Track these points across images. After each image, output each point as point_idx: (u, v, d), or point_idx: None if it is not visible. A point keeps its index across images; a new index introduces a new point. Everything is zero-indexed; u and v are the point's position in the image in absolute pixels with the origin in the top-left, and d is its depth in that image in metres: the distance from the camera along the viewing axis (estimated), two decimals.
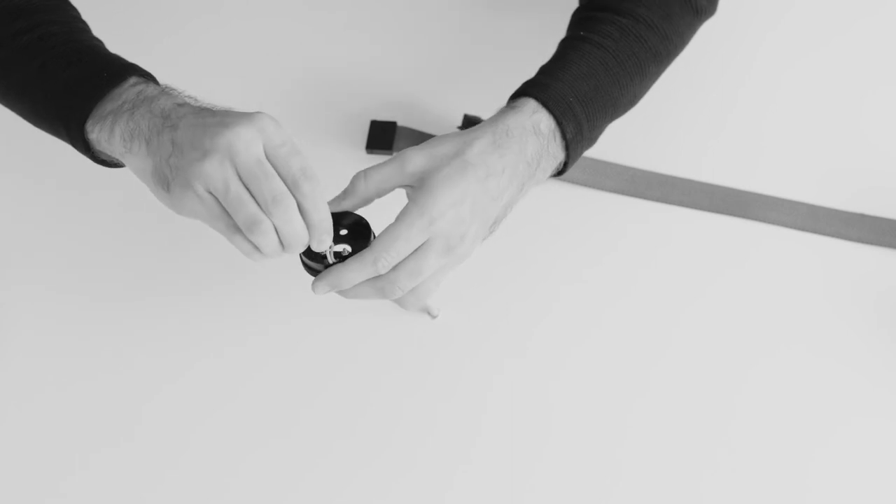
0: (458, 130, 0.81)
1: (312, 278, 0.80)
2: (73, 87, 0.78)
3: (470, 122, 0.97)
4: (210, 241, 0.94)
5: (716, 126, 1.02)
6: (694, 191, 0.99)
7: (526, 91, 0.83)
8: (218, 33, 1.06)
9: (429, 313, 0.93)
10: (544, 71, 0.85)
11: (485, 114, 0.98)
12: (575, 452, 0.88)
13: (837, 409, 0.90)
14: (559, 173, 0.86)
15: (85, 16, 0.86)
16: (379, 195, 0.80)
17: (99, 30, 0.85)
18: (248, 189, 0.72)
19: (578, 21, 0.89)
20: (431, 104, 1.01)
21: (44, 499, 0.87)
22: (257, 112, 0.74)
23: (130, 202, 0.97)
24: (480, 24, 1.06)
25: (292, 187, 0.72)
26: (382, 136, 0.99)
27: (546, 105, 0.82)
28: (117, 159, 0.79)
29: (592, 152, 0.99)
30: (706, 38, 1.00)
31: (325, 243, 0.75)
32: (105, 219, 0.98)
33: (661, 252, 0.96)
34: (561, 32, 0.90)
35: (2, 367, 0.92)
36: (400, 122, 1.00)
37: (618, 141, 0.97)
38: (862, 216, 0.98)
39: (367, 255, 0.76)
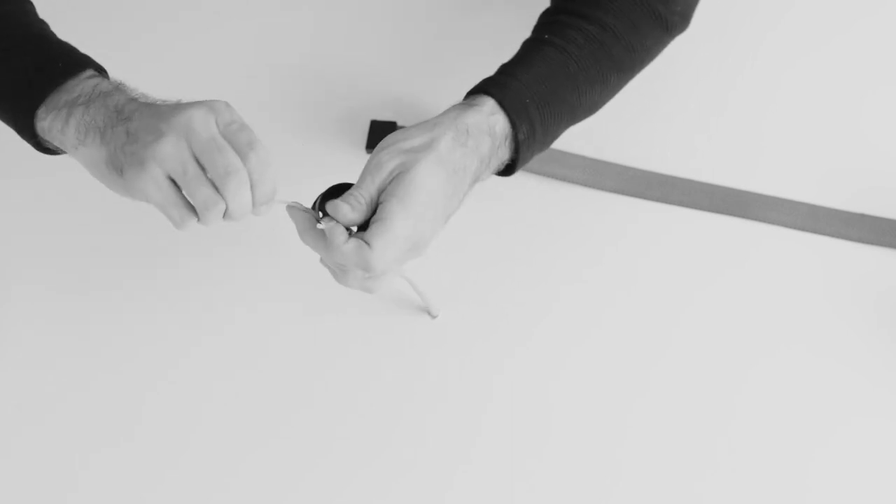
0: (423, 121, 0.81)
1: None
2: (27, 74, 0.78)
3: None
4: (212, 241, 0.94)
5: (716, 126, 1.02)
6: (694, 191, 0.99)
7: (485, 89, 0.83)
8: (218, 33, 1.06)
9: (429, 313, 0.93)
10: (504, 70, 0.84)
11: None
12: (575, 452, 0.88)
13: (837, 409, 0.90)
14: (505, 173, 0.85)
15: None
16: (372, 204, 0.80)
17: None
18: (201, 167, 0.73)
19: (545, 24, 0.88)
20: (431, 104, 1.01)
21: (43, 498, 0.87)
22: (208, 99, 0.75)
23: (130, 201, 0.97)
24: (481, 24, 1.06)
25: (243, 159, 0.74)
26: (382, 136, 0.99)
27: (503, 105, 0.81)
28: (61, 149, 0.79)
29: (592, 152, 0.99)
30: (706, 38, 1.00)
31: (264, 212, 0.77)
32: (106, 218, 0.98)
33: (661, 252, 0.96)
34: None
35: (1, 366, 0.92)
36: (400, 122, 1.00)
37: (618, 141, 0.97)
38: (862, 216, 0.98)
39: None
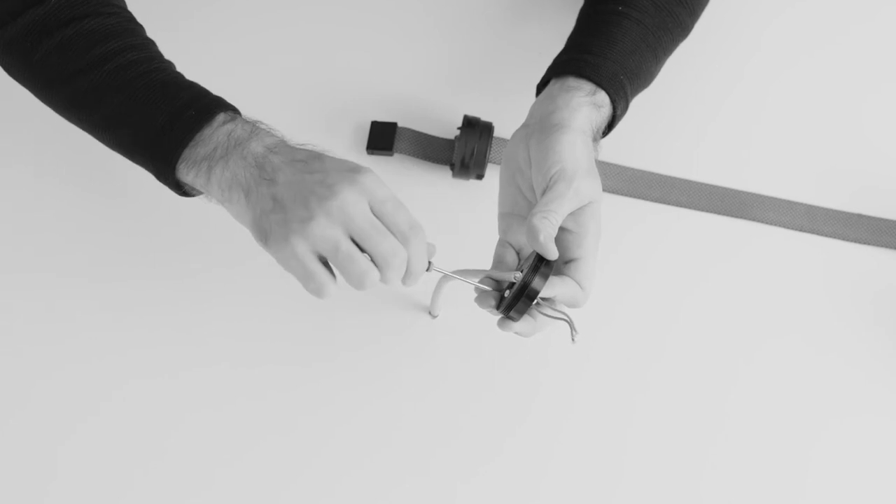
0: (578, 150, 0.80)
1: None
2: (161, 127, 0.76)
3: (470, 122, 0.97)
4: (212, 238, 0.94)
5: (715, 126, 1.02)
6: (693, 191, 0.99)
7: (579, 71, 0.82)
8: (218, 34, 1.06)
9: (429, 313, 0.93)
10: (588, 48, 0.83)
11: (484, 114, 0.99)
12: (575, 451, 0.89)
13: (836, 407, 0.91)
14: None
15: None
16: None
17: None
18: (359, 246, 0.72)
19: None
20: (431, 104, 1.01)
21: (41, 498, 0.88)
22: (356, 169, 0.73)
23: (128, 199, 0.97)
24: (479, 25, 1.06)
25: (404, 242, 0.73)
26: (383, 137, 0.99)
27: (601, 86, 0.81)
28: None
29: None
30: (706, 37, 1.01)
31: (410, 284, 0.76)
32: (104, 217, 0.98)
33: (659, 252, 0.97)
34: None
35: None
36: (400, 123, 1.01)
37: (617, 141, 0.97)
38: (860, 216, 0.98)
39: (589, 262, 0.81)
